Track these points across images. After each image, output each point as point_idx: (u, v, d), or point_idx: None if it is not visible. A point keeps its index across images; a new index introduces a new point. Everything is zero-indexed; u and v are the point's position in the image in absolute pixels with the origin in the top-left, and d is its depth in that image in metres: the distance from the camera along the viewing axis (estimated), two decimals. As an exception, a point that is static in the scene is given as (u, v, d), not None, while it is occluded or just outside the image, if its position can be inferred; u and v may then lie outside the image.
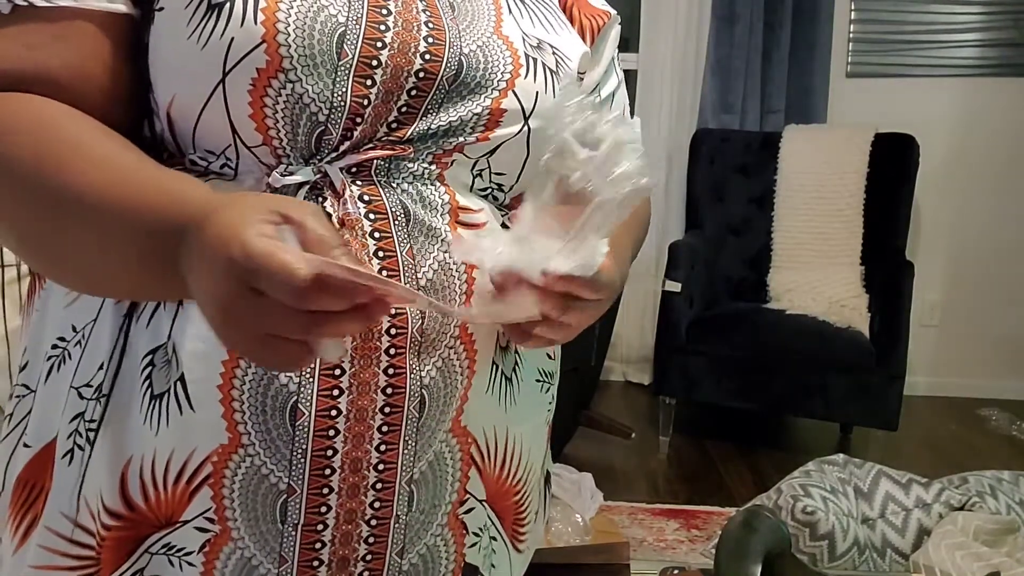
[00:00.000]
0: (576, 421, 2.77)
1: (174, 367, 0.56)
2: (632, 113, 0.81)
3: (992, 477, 1.96)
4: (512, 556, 0.70)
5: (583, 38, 0.72)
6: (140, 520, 0.58)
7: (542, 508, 0.79)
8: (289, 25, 0.55)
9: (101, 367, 0.58)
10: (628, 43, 3.56)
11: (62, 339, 0.60)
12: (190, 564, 0.58)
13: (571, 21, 0.73)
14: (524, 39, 0.64)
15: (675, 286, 2.75)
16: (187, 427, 0.56)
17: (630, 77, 3.40)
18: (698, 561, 2.02)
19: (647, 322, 3.47)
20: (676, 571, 1.59)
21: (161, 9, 0.56)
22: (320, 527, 0.58)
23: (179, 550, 0.58)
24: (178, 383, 0.56)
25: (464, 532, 0.64)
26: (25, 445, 0.61)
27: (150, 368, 0.57)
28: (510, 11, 0.65)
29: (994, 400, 3.46)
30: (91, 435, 0.58)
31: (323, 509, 0.58)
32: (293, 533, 0.58)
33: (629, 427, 2.80)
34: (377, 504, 0.59)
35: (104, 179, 0.52)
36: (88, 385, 0.58)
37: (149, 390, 0.57)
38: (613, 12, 0.76)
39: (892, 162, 3.01)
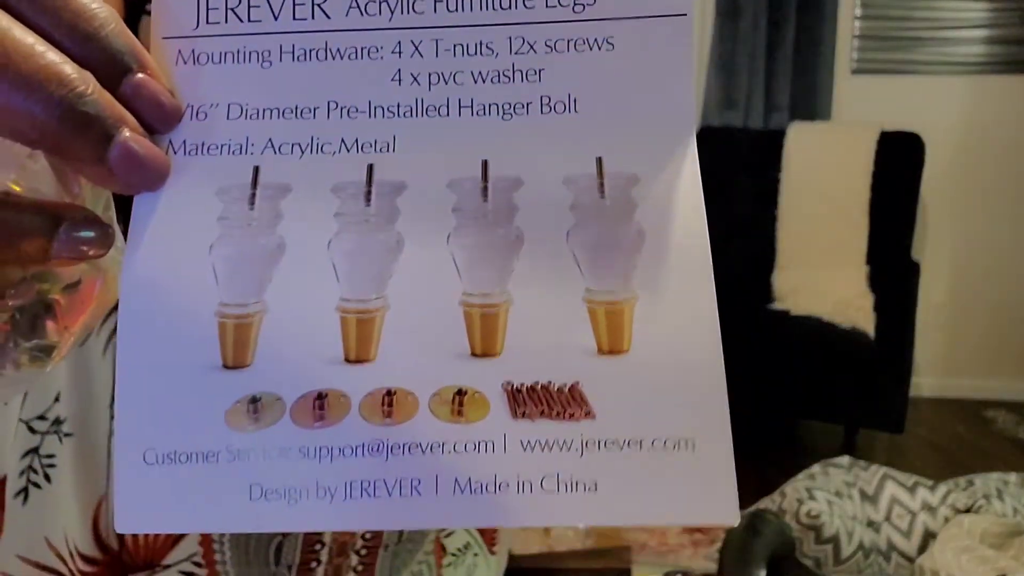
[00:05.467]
0: (578, 422, 2.75)
1: None
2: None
3: (998, 479, 1.94)
4: (490, 562, 0.71)
5: None
6: (116, 564, 0.55)
7: None
8: None
9: (57, 398, 0.53)
10: (631, 40, 3.54)
11: None
12: None
13: None
14: None
15: (678, 285, 2.73)
16: None
17: (633, 75, 3.39)
18: (701, 565, 2.00)
19: (650, 322, 3.45)
20: (679, 575, 1.57)
21: (148, 13, 0.48)
22: (314, 564, 0.57)
23: None
24: None
25: (443, 554, 0.64)
26: None
27: None
28: None
29: (1001, 402, 3.43)
30: (49, 471, 0.53)
31: (317, 546, 0.57)
32: (287, 574, 0.56)
33: (631, 428, 2.78)
34: (368, 535, 0.59)
35: None
36: (42, 418, 0.53)
37: None
38: None
39: (898, 161, 2.98)
